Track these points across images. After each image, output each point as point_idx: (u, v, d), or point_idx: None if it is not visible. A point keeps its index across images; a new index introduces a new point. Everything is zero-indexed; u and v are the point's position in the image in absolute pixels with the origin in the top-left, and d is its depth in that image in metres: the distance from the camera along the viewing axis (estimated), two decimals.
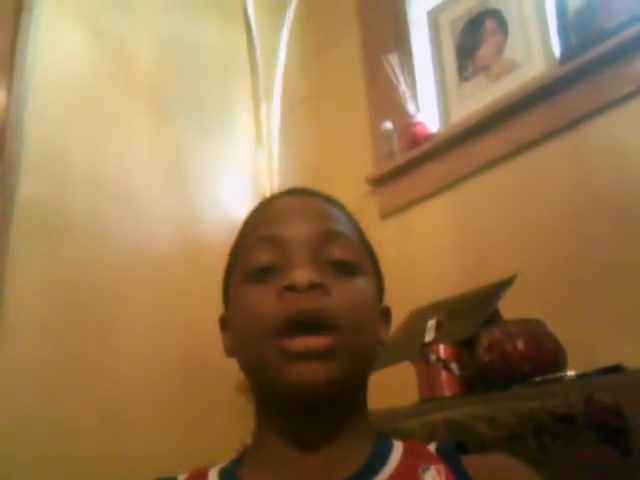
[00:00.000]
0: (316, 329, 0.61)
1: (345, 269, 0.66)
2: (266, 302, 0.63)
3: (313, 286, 0.62)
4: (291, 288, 0.62)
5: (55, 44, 2.00)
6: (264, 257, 0.66)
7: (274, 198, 0.76)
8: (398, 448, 0.67)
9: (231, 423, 1.80)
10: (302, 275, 0.62)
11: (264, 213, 0.73)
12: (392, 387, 1.44)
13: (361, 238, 0.74)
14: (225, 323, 0.74)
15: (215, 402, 1.95)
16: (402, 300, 1.67)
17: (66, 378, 1.71)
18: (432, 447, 0.67)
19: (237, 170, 2.33)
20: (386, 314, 0.75)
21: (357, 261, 0.68)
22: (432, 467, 0.62)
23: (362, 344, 0.65)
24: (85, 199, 1.92)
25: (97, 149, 2.01)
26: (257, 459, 0.68)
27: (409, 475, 0.62)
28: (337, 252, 0.67)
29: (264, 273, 0.66)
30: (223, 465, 0.71)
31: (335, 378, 0.62)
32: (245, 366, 0.68)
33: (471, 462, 0.64)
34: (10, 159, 1.77)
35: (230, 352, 0.72)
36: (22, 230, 1.75)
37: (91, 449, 1.67)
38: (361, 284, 0.67)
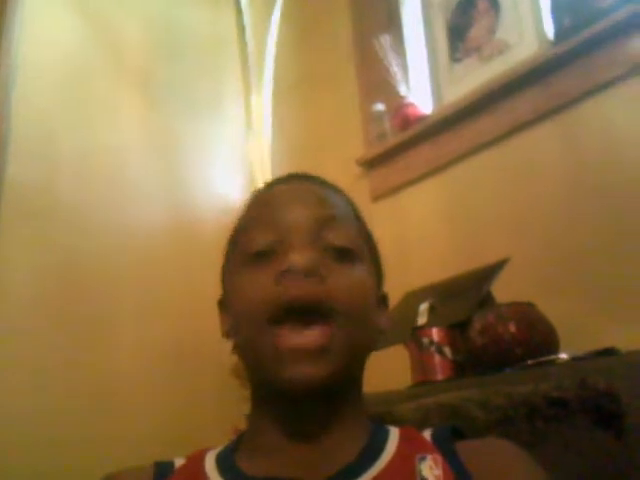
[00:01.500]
0: (312, 315, 0.61)
1: (343, 256, 0.66)
2: (262, 286, 0.63)
3: (311, 270, 0.61)
4: (288, 272, 0.61)
5: (43, 25, 1.97)
6: (262, 241, 0.66)
7: (273, 184, 0.75)
8: (394, 435, 0.67)
9: (224, 408, 1.80)
10: (300, 258, 0.62)
11: (263, 198, 0.72)
12: (385, 370, 1.43)
13: (361, 225, 0.73)
14: (223, 306, 0.73)
15: (208, 386, 1.95)
16: (395, 283, 1.66)
17: (56, 362, 1.70)
18: (428, 434, 0.67)
19: (228, 154, 2.32)
20: (384, 301, 0.75)
21: (356, 248, 0.67)
22: (428, 457, 0.62)
23: (359, 334, 0.65)
24: (74, 181, 1.91)
25: (86, 131, 1.99)
26: (253, 445, 0.67)
27: (406, 464, 0.62)
28: (336, 238, 0.66)
29: (261, 257, 0.65)
30: (220, 449, 0.70)
31: (329, 376, 0.61)
32: (240, 353, 0.68)
33: (465, 448, 0.64)
34: None
35: (227, 335, 0.71)
36: (10, 212, 1.73)
37: (82, 434, 1.66)
38: (360, 271, 0.67)
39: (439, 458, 0.62)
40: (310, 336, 0.60)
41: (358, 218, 0.74)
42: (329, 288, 0.62)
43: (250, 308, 0.63)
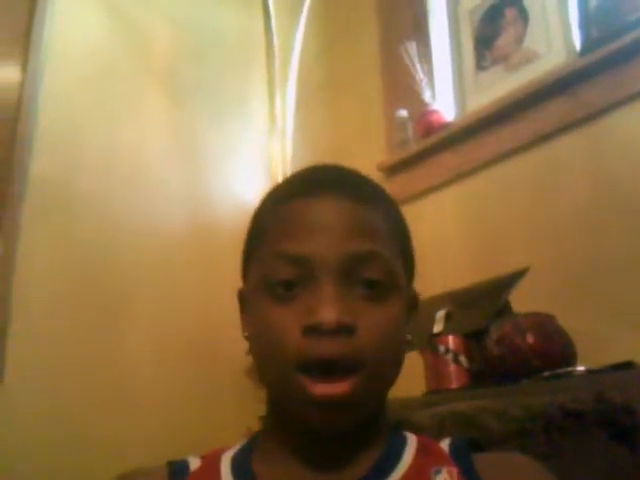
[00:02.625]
0: (339, 368, 0.58)
1: (376, 290, 0.61)
2: (288, 333, 0.60)
3: (340, 328, 0.58)
4: (316, 328, 0.58)
5: (71, 23, 1.99)
6: (286, 274, 0.61)
7: (303, 195, 0.65)
8: (411, 445, 0.66)
9: (239, 408, 1.80)
10: (328, 314, 0.58)
11: (288, 217, 0.65)
12: (400, 377, 1.43)
13: (397, 239, 0.67)
14: (243, 300, 0.71)
15: (223, 386, 1.95)
16: None
17: (75, 357, 1.71)
18: (445, 445, 0.66)
19: (251, 155, 2.32)
20: (415, 301, 0.71)
21: (390, 281, 0.63)
22: (444, 470, 0.61)
23: (389, 375, 0.64)
24: (98, 179, 1.92)
25: (111, 129, 2.00)
26: (269, 451, 0.66)
27: (421, 477, 0.61)
28: (369, 273, 0.61)
29: (286, 288, 0.61)
30: (235, 451, 0.69)
31: (355, 420, 0.61)
32: (262, 376, 0.65)
33: (483, 462, 0.63)
34: (24, 137, 1.77)
35: (247, 338, 0.69)
36: (35, 208, 1.75)
37: (98, 430, 1.67)
38: (392, 309, 0.63)
39: (454, 471, 0.61)
40: (339, 387, 0.58)
41: (396, 233, 0.68)
42: (358, 341, 0.59)
43: (275, 353, 0.61)
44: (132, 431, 1.73)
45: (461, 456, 0.63)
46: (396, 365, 0.65)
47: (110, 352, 1.79)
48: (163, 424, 1.79)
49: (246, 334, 0.69)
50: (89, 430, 1.66)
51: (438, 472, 0.61)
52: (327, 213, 0.63)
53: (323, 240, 0.61)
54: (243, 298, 0.71)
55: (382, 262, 0.62)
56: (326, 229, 0.62)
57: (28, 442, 1.56)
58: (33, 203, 1.75)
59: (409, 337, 0.69)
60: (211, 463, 0.68)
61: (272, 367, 0.62)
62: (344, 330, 0.58)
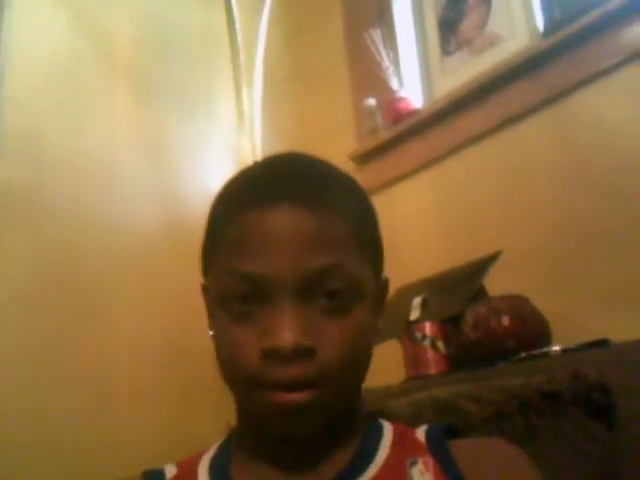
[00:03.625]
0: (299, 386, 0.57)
1: (338, 301, 0.59)
2: (247, 354, 0.58)
3: (299, 351, 0.56)
4: (274, 353, 0.56)
5: (31, 24, 1.95)
6: (242, 291, 0.59)
7: (258, 204, 0.60)
8: (387, 437, 0.65)
9: (217, 406, 1.79)
10: (287, 339, 0.55)
11: (242, 229, 0.60)
12: (379, 366, 1.43)
13: (361, 238, 0.63)
14: (207, 292, 0.68)
15: (201, 384, 1.94)
16: (388, 277, 1.66)
17: (49, 360, 1.70)
18: (422, 432, 0.65)
19: (219, 150, 2.31)
20: (385, 287, 0.70)
21: (353, 288, 0.60)
22: (419, 460, 0.60)
23: (353, 382, 0.63)
24: (65, 179, 1.90)
25: (77, 129, 1.97)
26: (244, 451, 0.66)
27: (397, 470, 0.60)
28: (329, 284, 0.58)
29: (244, 303, 0.59)
30: (213, 454, 0.68)
31: (319, 425, 0.60)
32: (225, 380, 0.64)
33: (460, 449, 0.62)
34: None
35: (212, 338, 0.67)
36: (1, 212, 1.72)
37: (75, 432, 1.66)
38: (356, 319, 0.60)
39: (430, 461, 0.60)
40: (297, 396, 0.56)
41: (360, 231, 0.64)
42: (319, 364, 0.57)
43: (235, 371, 0.60)
44: (108, 431, 1.72)
45: (437, 444, 0.63)
46: (361, 372, 0.63)
47: (85, 352, 1.77)
48: (140, 424, 1.78)
49: (211, 333, 0.66)
50: (69, 429, 1.66)
51: (414, 463, 0.60)
52: (281, 226, 0.59)
53: (278, 257, 0.58)
54: (206, 291, 0.69)
55: (344, 273, 0.59)
56: (281, 244, 0.58)
57: (9, 444, 1.55)
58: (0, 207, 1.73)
59: (380, 327, 0.68)
60: (188, 471, 0.66)
61: (232, 381, 0.62)
62: (304, 354, 0.56)
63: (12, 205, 1.76)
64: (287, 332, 0.56)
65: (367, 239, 0.65)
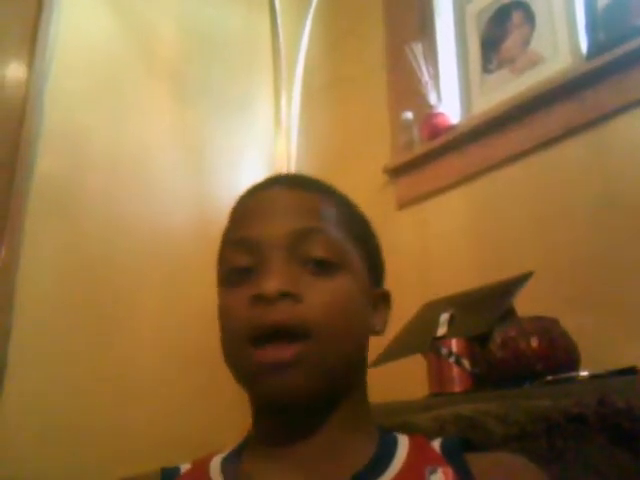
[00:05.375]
0: (287, 336, 0.60)
1: (324, 267, 0.64)
2: (238, 309, 0.63)
3: (282, 295, 0.60)
4: (260, 298, 0.61)
5: (78, 21, 2.00)
6: (240, 260, 0.65)
7: (256, 189, 0.72)
8: (404, 444, 0.66)
9: (235, 404, 1.80)
10: (271, 283, 0.61)
11: (243, 209, 0.70)
12: (403, 380, 1.43)
13: (349, 225, 0.70)
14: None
15: (223, 384, 1.95)
16: (417, 291, 1.66)
17: (79, 353, 1.73)
18: (437, 444, 0.66)
19: (255, 155, 2.32)
20: (384, 299, 0.73)
21: (337, 258, 0.65)
22: (439, 470, 0.61)
23: (339, 345, 0.64)
24: (103, 177, 1.93)
25: (117, 128, 2.01)
26: (258, 449, 0.67)
27: (415, 475, 0.61)
28: (314, 250, 0.64)
29: (240, 275, 0.64)
30: (226, 453, 0.70)
31: (308, 386, 0.61)
32: (226, 363, 0.68)
33: (476, 461, 0.63)
34: (29, 135, 1.77)
35: None
36: (39, 206, 1.76)
37: (101, 422, 1.69)
38: (341, 282, 0.65)
39: (450, 472, 0.61)
40: (284, 351, 0.60)
41: (347, 219, 0.71)
42: (302, 310, 0.61)
43: (229, 331, 0.64)
44: (135, 425, 1.74)
45: (453, 456, 0.63)
46: (349, 338, 0.65)
47: (114, 346, 1.80)
48: (165, 419, 1.80)
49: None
50: (92, 420, 1.69)
51: (433, 472, 0.61)
52: (273, 200, 0.68)
53: (267, 222, 0.65)
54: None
55: (326, 239, 0.65)
56: (272, 212, 0.66)
57: (34, 432, 1.58)
58: (38, 201, 1.76)
59: (378, 328, 0.71)
60: (201, 465, 0.69)
61: (229, 346, 0.65)
62: (288, 297, 0.60)
63: (51, 197, 1.80)
64: (273, 279, 0.61)
65: (356, 231, 0.70)
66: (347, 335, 0.65)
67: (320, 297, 0.62)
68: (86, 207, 1.86)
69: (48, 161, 1.80)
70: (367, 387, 0.70)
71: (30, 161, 1.76)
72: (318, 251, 0.64)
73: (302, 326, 0.60)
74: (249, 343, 0.61)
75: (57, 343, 1.70)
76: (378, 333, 0.71)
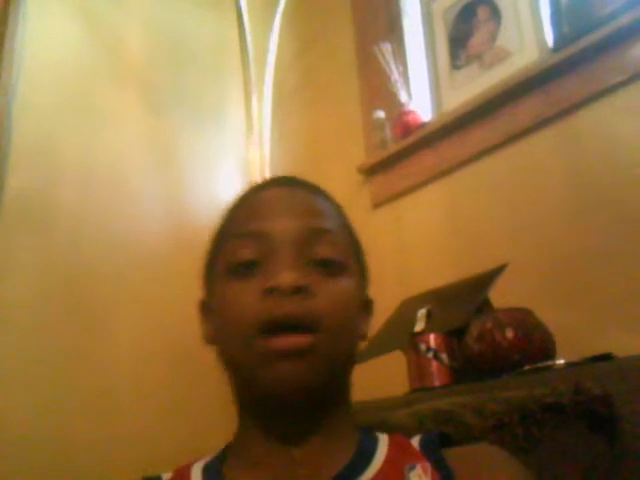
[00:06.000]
0: (297, 329, 0.61)
1: (330, 268, 0.66)
2: (249, 300, 0.63)
3: (297, 289, 0.61)
4: (275, 290, 0.61)
5: (45, 33, 1.98)
6: (247, 253, 0.66)
7: (260, 188, 0.74)
8: (383, 443, 0.67)
9: (220, 411, 1.79)
10: (286, 277, 0.62)
11: (249, 205, 0.71)
12: (383, 377, 1.43)
13: (348, 232, 0.73)
14: (205, 309, 0.74)
15: (205, 390, 1.94)
16: (395, 289, 1.67)
17: (56, 366, 1.71)
18: (416, 441, 0.67)
19: (228, 161, 2.32)
20: (368, 306, 0.74)
21: (343, 260, 0.67)
22: (418, 465, 0.62)
23: (343, 344, 0.65)
24: (76, 189, 1.91)
25: (88, 139, 1.99)
26: (241, 455, 0.67)
27: (395, 473, 0.62)
28: (323, 250, 0.66)
29: (247, 268, 0.65)
30: (207, 460, 0.70)
31: (315, 377, 0.62)
32: (225, 360, 0.68)
33: (454, 455, 0.64)
34: None
35: (210, 340, 0.71)
36: (11, 220, 1.74)
37: (78, 433, 1.67)
38: (345, 284, 0.67)
39: (428, 466, 0.62)
40: (298, 339, 0.61)
41: (346, 226, 0.73)
42: (314, 304, 0.62)
43: (237, 322, 0.63)
44: (115, 431, 1.73)
45: (432, 451, 0.64)
46: (350, 338, 0.67)
47: (92, 357, 1.79)
48: (144, 427, 1.79)
49: (206, 334, 0.72)
50: (71, 432, 1.67)
51: (412, 468, 0.62)
52: (285, 199, 0.69)
53: (281, 219, 0.67)
54: (204, 307, 0.74)
55: (334, 239, 0.68)
56: (283, 210, 0.68)
57: (12, 441, 1.57)
58: (11, 216, 1.74)
59: (362, 333, 0.72)
60: (181, 474, 0.69)
61: (234, 338, 0.64)
62: (302, 291, 0.62)
63: (23, 211, 1.78)
64: (287, 272, 0.62)
65: (352, 239, 0.73)
66: (349, 334, 0.67)
67: (329, 294, 0.64)
68: (59, 220, 1.85)
69: (19, 176, 1.79)
70: (351, 392, 0.71)
71: (0, 177, 1.74)
72: (326, 251, 0.66)
73: (314, 320, 0.62)
74: (258, 333, 0.61)
75: (34, 358, 1.68)
76: (363, 338, 0.72)
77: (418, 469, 0.61)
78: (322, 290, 0.63)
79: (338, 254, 0.67)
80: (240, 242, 0.67)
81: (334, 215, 0.72)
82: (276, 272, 0.62)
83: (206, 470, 0.68)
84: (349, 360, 0.68)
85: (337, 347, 0.64)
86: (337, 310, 0.64)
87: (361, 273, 0.73)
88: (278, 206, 0.68)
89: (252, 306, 0.62)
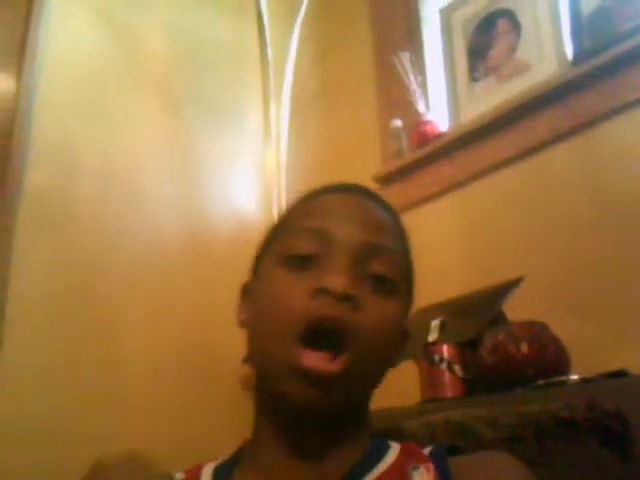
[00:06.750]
0: (336, 342, 0.60)
1: (383, 286, 0.65)
2: (296, 294, 0.62)
3: (347, 296, 0.60)
4: (325, 292, 0.60)
5: (67, 33, 2.00)
6: (306, 247, 0.65)
7: (331, 189, 0.73)
8: (395, 449, 0.67)
9: (232, 415, 1.80)
10: (339, 282, 0.61)
11: (319, 202, 0.71)
12: (395, 387, 1.43)
13: (407, 255, 0.72)
14: (246, 291, 0.73)
15: (217, 393, 1.95)
16: None
17: (70, 364, 1.71)
18: (427, 450, 0.68)
19: (245, 166, 2.33)
20: (405, 336, 0.73)
21: (396, 280, 0.67)
22: (421, 466, 0.63)
23: (375, 368, 0.65)
24: (93, 189, 1.93)
25: (107, 140, 2.01)
26: (252, 461, 0.68)
27: (400, 472, 0.62)
28: (379, 267, 0.65)
29: (302, 262, 0.64)
30: (218, 463, 0.71)
31: (335, 405, 0.61)
32: (254, 350, 0.67)
33: (457, 462, 0.65)
34: (19, 147, 1.77)
35: (243, 323, 0.71)
36: (29, 218, 1.75)
37: (91, 433, 1.67)
38: (394, 306, 0.66)
39: (431, 467, 0.63)
40: (329, 364, 0.59)
41: (406, 250, 0.73)
42: (360, 318, 0.61)
43: (280, 314, 0.63)
44: (124, 434, 1.73)
45: (437, 457, 0.65)
46: (385, 361, 0.67)
47: (105, 357, 1.79)
48: (154, 428, 1.79)
49: (242, 318, 0.71)
50: (81, 431, 1.67)
51: (416, 468, 0.62)
52: (350, 205, 0.69)
53: (347, 223, 0.66)
54: (245, 290, 0.73)
55: (391, 258, 0.67)
56: (348, 216, 0.67)
57: (20, 440, 1.57)
58: (28, 213, 1.76)
59: (397, 361, 0.71)
60: (192, 475, 0.69)
61: (270, 333, 0.63)
62: (351, 300, 0.61)
63: (40, 211, 1.79)
64: (341, 277, 0.61)
65: (408, 264, 0.72)
66: (384, 359, 0.66)
67: (376, 312, 0.63)
68: (76, 220, 1.86)
69: (37, 175, 1.80)
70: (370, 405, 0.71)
71: (19, 175, 1.76)
72: (382, 268, 0.65)
73: (355, 333, 0.60)
74: (297, 337, 0.60)
75: (48, 357, 1.69)
76: (392, 365, 0.71)
77: (421, 468, 0.62)
78: (370, 306, 0.63)
79: (393, 274, 0.66)
80: (302, 235, 0.66)
81: (398, 236, 0.72)
82: (330, 274, 0.62)
83: (216, 472, 0.69)
84: (375, 385, 0.67)
85: (368, 371, 0.63)
86: (379, 330, 0.63)
87: (409, 299, 0.72)
88: (347, 211, 0.68)
89: (299, 302, 0.61)
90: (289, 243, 0.67)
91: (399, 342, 0.70)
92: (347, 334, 0.60)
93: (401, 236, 0.73)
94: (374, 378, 0.66)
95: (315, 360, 0.59)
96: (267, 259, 0.69)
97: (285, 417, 0.65)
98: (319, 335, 0.60)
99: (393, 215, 0.73)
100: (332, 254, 0.64)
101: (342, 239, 0.64)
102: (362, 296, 0.62)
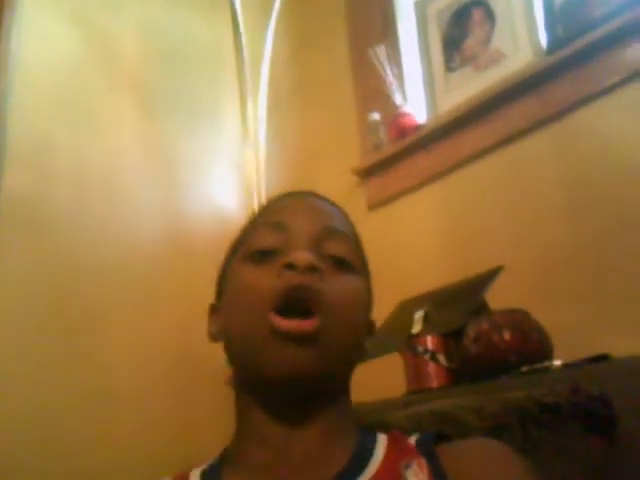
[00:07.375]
0: (306, 311, 0.63)
1: (340, 265, 0.69)
2: (264, 281, 0.66)
3: (312, 266, 0.64)
4: (290, 266, 0.64)
5: (40, 35, 1.98)
6: (268, 240, 0.70)
7: (284, 196, 0.79)
8: (382, 442, 0.67)
9: (218, 416, 1.79)
10: (302, 255, 0.65)
11: (273, 206, 0.77)
12: (381, 379, 1.43)
13: (359, 245, 0.77)
14: (214, 310, 0.76)
15: (202, 395, 1.94)
16: (390, 292, 1.66)
17: (50, 370, 1.70)
18: (413, 439, 0.68)
19: (224, 164, 2.32)
20: (370, 327, 0.76)
21: (352, 259, 0.71)
22: (413, 463, 0.63)
23: (347, 335, 0.67)
24: (70, 192, 1.91)
25: (83, 142, 1.99)
26: (238, 460, 0.68)
27: (392, 472, 0.62)
28: (335, 248, 0.70)
29: (266, 255, 0.68)
30: (205, 467, 0.71)
31: (316, 364, 0.63)
32: (231, 346, 0.70)
33: (446, 451, 0.65)
34: None
35: (214, 336, 0.74)
36: (7, 221, 1.73)
37: (74, 436, 1.66)
38: (354, 280, 0.70)
39: (423, 462, 0.63)
40: (304, 323, 0.62)
41: (358, 241, 0.77)
42: (325, 287, 0.65)
43: (252, 297, 0.66)
44: (111, 433, 1.73)
45: (425, 447, 0.66)
46: (353, 332, 0.69)
47: (86, 362, 1.78)
48: (141, 433, 1.79)
49: (213, 330, 0.75)
50: (69, 432, 1.67)
51: (408, 466, 0.62)
52: (304, 202, 0.76)
53: (300, 216, 0.72)
54: (213, 309, 0.77)
55: (345, 239, 0.73)
56: (303, 209, 0.74)
57: (8, 442, 1.56)
58: (5, 218, 1.74)
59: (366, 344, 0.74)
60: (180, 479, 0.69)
61: (246, 315, 0.66)
62: (316, 270, 0.65)
63: (17, 213, 1.77)
64: (304, 252, 0.66)
65: (361, 251, 0.78)
66: (354, 328, 0.69)
67: (339, 285, 0.67)
68: (55, 222, 1.84)
69: (14, 178, 1.78)
70: (351, 391, 0.72)
71: None
72: (338, 249, 0.70)
73: (323, 299, 0.64)
74: (271, 310, 0.63)
75: (29, 360, 1.67)
76: (364, 353, 0.74)
77: (414, 466, 0.62)
78: (332, 280, 0.67)
79: (348, 254, 0.71)
80: (262, 231, 0.72)
81: (347, 223, 0.77)
82: (294, 252, 0.66)
83: (203, 476, 0.69)
84: (351, 354, 0.70)
85: (341, 337, 0.66)
86: (345, 297, 0.67)
87: (367, 279, 0.76)
88: (301, 206, 0.75)
89: (267, 284, 0.65)
90: (251, 240, 0.72)
91: (367, 326, 0.74)
92: (316, 300, 0.64)
93: (350, 224, 0.78)
94: (347, 346, 0.68)
95: (291, 322, 0.62)
96: (232, 264, 0.73)
97: (268, 399, 0.66)
98: (290, 306, 0.63)
99: (341, 212, 0.78)
100: (292, 241, 0.69)
101: (299, 228, 0.70)
102: (325, 270, 0.66)
